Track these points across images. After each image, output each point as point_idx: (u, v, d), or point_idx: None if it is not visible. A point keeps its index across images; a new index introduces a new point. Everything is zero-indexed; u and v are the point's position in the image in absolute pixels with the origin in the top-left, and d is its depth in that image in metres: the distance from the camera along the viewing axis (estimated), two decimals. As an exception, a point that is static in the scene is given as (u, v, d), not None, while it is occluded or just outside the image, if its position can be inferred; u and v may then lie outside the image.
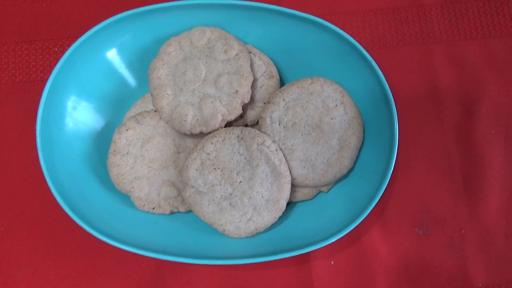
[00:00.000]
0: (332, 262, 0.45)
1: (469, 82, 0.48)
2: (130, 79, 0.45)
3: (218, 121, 0.40)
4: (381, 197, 0.40)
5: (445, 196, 0.46)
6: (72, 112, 0.42)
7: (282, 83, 0.45)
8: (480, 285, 0.44)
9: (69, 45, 0.47)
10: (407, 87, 0.47)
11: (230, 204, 0.40)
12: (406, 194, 0.46)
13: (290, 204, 0.43)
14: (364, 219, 0.40)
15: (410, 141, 0.46)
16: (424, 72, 0.48)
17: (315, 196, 0.44)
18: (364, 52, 0.41)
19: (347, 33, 0.42)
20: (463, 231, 0.45)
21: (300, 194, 0.43)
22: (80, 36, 0.41)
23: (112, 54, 0.43)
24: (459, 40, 0.48)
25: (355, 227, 0.41)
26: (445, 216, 0.45)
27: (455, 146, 0.46)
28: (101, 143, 0.43)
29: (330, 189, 0.44)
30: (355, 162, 0.43)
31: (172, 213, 0.43)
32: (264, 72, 0.44)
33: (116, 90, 0.44)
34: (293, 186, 0.42)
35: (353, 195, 0.42)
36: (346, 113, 0.42)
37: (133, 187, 0.41)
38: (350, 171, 0.43)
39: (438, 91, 0.47)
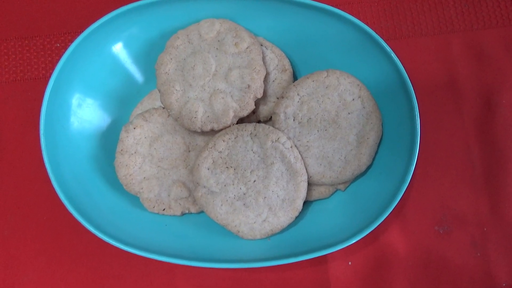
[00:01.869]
0: (349, 263, 0.44)
1: (489, 73, 0.46)
2: (137, 75, 0.44)
3: (229, 117, 0.39)
4: (399, 194, 0.39)
5: (465, 192, 0.45)
6: (76, 110, 0.42)
7: (295, 76, 0.44)
8: (504, 284, 0.43)
9: (71, 40, 0.45)
10: (424, 79, 0.46)
11: (244, 204, 0.39)
12: (425, 190, 0.45)
13: (306, 203, 0.42)
14: (382, 217, 0.39)
15: (428, 135, 0.45)
16: (442, 63, 0.47)
17: (332, 195, 0.43)
18: (382, 42, 0.40)
19: (360, 23, 0.41)
20: (485, 229, 0.44)
21: (317, 193, 0.42)
22: (83, 31, 0.40)
23: (118, 49, 0.42)
24: (477, 29, 0.47)
25: (373, 227, 0.39)
26: (466, 213, 0.44)
27: (475, 139, 0.45)
28: (108, 142, 0.42)
29: (347, 187, 0.43)
30: (373, 159, 0.42)
31: (183, 214, 0.42)
32: (277, 65, 0.43)
33: (122, 87, 0.43)
34: (309, 185, 0.41)
35: (372, 193, 0.41)
36: (364, 107, 0.41)
37: (142, 188, 0.41)
38: (368, 168, 0.42)
39: (457, 83, 0.46)
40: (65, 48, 0.45)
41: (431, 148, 0.45)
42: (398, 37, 0.47)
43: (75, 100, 0.41)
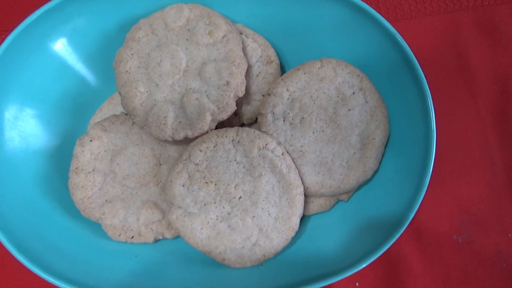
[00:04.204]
0: (357, 284, 0.41)
1: (503, 54, 0.44)
2: (90, 76, 0.41)
3: (206, 122, 0.37)
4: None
5: (486, 193, 0.43)
6: (15, 123, 0.38)
7: (283, 69, 0.43)
8: (535, 298, 0.42)
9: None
10: (431, 65, 0.44)
11: (229, 226, 0.37)
12: (440, 194, 0.43)
13: (303, 218, 0.39)
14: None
15: (441, 130, 0.43)
16: (451, 46, 0.45)
17: (333, 207, 0.41)
18: (385, 22, 0.37)
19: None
20: (510, 235, 0.42)
21: (315, 206, 0.40)
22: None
23: (63, 45, 0.39)
24: (488, 5, 0.45)
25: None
26: (488, 218, 0.43)
27: (494, 132, 0.44)
28: (60, 159, 0.39)
29: (351, 197, 0.40)
30: (380, 163, 0.40)
31: (156, 241, 0.39)
32: (260, 56, 0.41)
33: (74, 91, 0.41)
34: (307, 197, 0.39)
35: (381, 204, 0.39)
36: (367, 102, 0.39)
37: (103, 213, 0.38)
38: (375, 174, 0.40)
39: (469, 67, 0.44)
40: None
41: (444, 144, 0.43)
42: (399, 18, 0.45)
43: (11, 110, 0.38)
